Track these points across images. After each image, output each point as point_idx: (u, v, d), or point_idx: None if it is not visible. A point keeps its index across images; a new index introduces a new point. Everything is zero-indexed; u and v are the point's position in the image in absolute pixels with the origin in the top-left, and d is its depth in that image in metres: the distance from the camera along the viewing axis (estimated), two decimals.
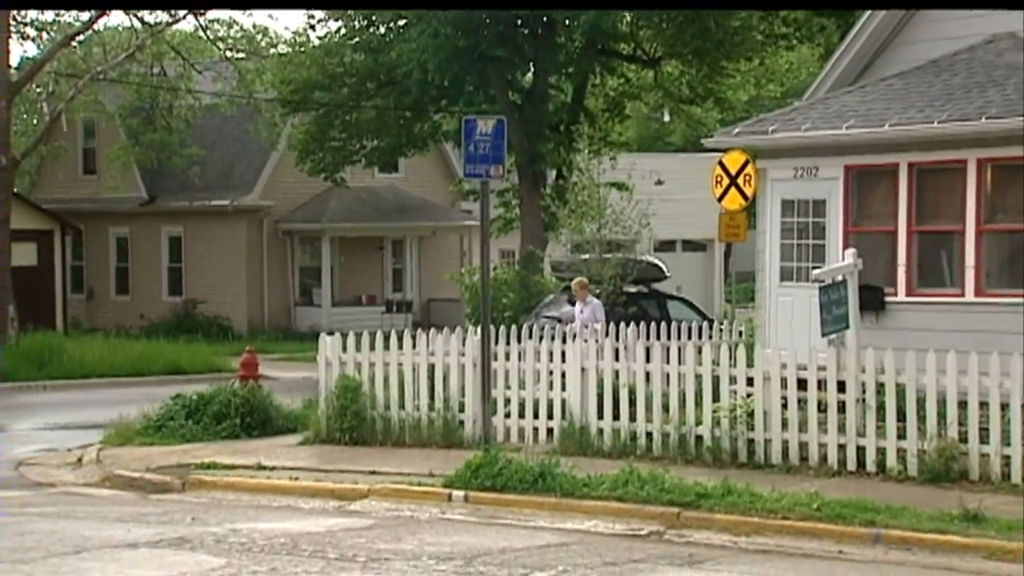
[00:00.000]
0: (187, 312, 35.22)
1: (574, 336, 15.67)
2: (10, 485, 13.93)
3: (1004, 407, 11.94)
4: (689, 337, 17.75)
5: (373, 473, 13.32)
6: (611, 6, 25.61)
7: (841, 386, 12.69)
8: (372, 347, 15.29)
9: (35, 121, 42.98)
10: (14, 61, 31.42)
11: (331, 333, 15.94)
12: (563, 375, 14.45)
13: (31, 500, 12.77)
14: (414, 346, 15.22)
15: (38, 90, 36.68)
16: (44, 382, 24.20)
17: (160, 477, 13.77)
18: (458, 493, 12.21)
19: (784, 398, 12.99)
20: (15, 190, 30.54)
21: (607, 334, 16.54)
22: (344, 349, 15.39)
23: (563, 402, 14.33)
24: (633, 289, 21.61)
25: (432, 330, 15.48)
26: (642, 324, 17.51)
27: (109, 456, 15.21)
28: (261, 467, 13.90)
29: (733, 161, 20.07)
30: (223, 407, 16.15)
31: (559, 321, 19.37)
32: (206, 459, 14.35)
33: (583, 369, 14.19)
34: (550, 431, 14.44)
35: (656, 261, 23.24)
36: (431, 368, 15.03)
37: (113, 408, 18.09)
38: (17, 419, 20.03)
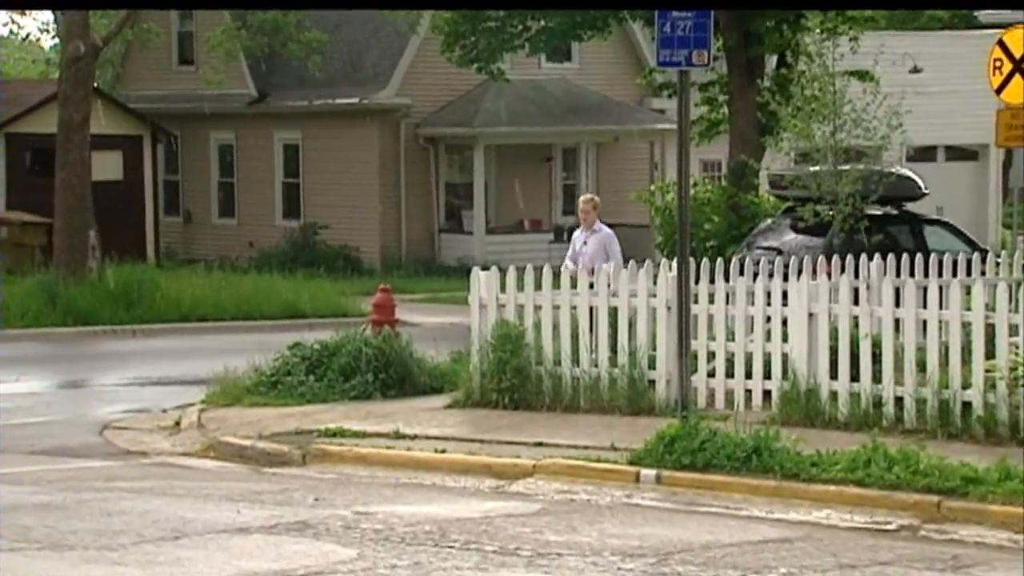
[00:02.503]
0: (306, 240, 35.94)
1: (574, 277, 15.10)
2: (93, 454, 14.52)
3: None
4: (954, 273, 17.37)
5: (539, 445, 13.46)
6: (626, 6, 25.34)
7: None
8: (538, 285, 15.38)
9: None
10: None
11: (486, 267, 16.07)
12: (785, 322, 14.35)
13: (119, 472, 13.29)
14: (591, 284, 15.27)
15: None
16: (133, 326, 24.97)
17: (275, 446, 14.16)
18: (648, 472, 12.27)
19: None
20: (95, 84, 31.33)
21: (843, 270, 16.28)
22: (502, 288, 15.52)
23: (784, 357, 14.24)
24: (879, 211, 21.21)
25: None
26: (890, 256, 17.20)
27: (213, 419, 15.69)
28: (399, 435, 14.17)
29: (1017, 40, 19.44)
30: (352, 360, 16.47)
31: (779, 253, 19.15)
32: (331, 424, 14.69)
33: (811, 315, 14.06)
34: (767, 394, 14.38)
35: (910, 174, 22.72)
36: (613, 313, 15.06)
37: (217, 359, 18.64)
38: (101, 371, 20.83)
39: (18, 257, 29.93)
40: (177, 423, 15.89)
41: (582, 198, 17.60)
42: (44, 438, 15.15)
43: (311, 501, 11.52)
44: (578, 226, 17.88)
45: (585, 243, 16.79)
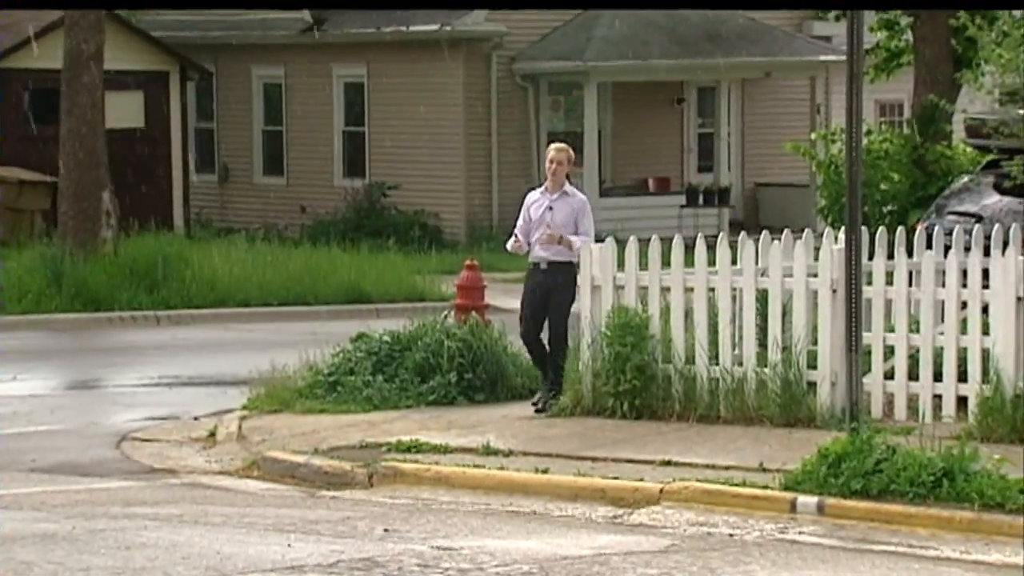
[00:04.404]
0: (372, 204, 36.10)
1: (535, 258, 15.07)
2: (109, 471, 14.70)
3: None
4: None
5: (668, 464, 13.50)
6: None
7: None
8: (666, 262, 15.37)
9: None
10: None
11: (600, 239, 16.10)
12: (985, 309, 14.26)
13: (140, 495, 13.46)
14: (734, 261, 15.25)
15: None
16: (156, 312, 25.20)
17: (335, 463, 14.27)
18: (807, 499, 12.26)
19: None
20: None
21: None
22: (620, 265, 15.53)
23: (985, 354, 14.18)
24: None
25: (763, 234, 15.48)
26: None
27: (257, 429, 15.84)
28: (490, 451, 14.26)
29: None
30: (431, 355, 16.55)
31: (979, 220, 19.01)
32: (405, 436, 14.79)
33: (1020, 299, 13.96)
34: (962, 401, 14.34)
35: None
36: (761, 296, 15.04)
37: (261, 353, 18.81)
38: (117, 368, 21.07)
39: (15, 225, 30.33)
40: (212, 434, 16.06)
41: (554, 147, 16.40)
42: (48, 452, 15.36)
43: (379, 533, 11.60)
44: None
45: (551, 208, 15.93)
